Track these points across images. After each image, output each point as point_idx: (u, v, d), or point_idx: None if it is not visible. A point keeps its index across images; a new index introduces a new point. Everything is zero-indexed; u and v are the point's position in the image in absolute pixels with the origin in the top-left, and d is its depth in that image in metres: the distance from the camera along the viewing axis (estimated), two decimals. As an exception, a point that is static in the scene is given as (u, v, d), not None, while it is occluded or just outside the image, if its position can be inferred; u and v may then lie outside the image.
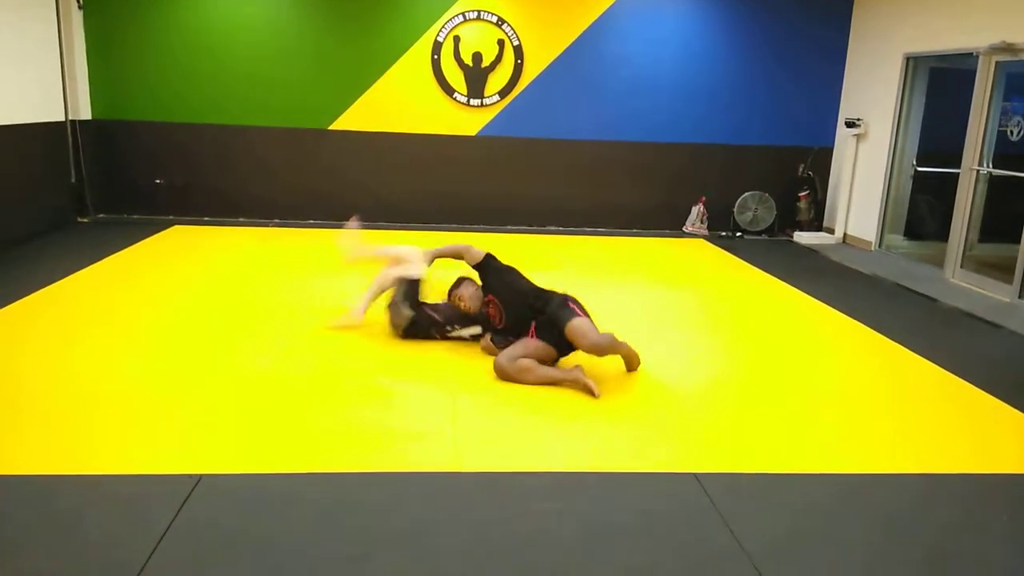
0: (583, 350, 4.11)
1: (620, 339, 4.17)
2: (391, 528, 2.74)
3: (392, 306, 4.74)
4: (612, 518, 2.87)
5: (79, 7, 7.86)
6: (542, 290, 4.43)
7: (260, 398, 3.80)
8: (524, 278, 4.55)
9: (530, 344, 4.18)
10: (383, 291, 4.80)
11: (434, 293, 4.90)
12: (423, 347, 4.64)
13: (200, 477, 2.99)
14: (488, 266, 4.58)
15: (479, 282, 4.66)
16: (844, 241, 8.75)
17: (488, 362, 4.30)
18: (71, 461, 3.11)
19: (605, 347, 4.09)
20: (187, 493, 2.87)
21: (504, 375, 4.10)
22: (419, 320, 4.69)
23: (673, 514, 2.92)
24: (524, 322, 4.30)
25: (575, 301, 4.29)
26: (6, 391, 3.75)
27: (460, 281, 4.77)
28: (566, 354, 4.26)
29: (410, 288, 4.71)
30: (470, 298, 4.63)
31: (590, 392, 3.99)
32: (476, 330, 4.74)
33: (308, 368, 4.24)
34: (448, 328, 4.74)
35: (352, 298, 5.03)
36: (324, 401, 3.81)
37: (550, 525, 2.80)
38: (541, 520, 2.83)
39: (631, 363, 4.27)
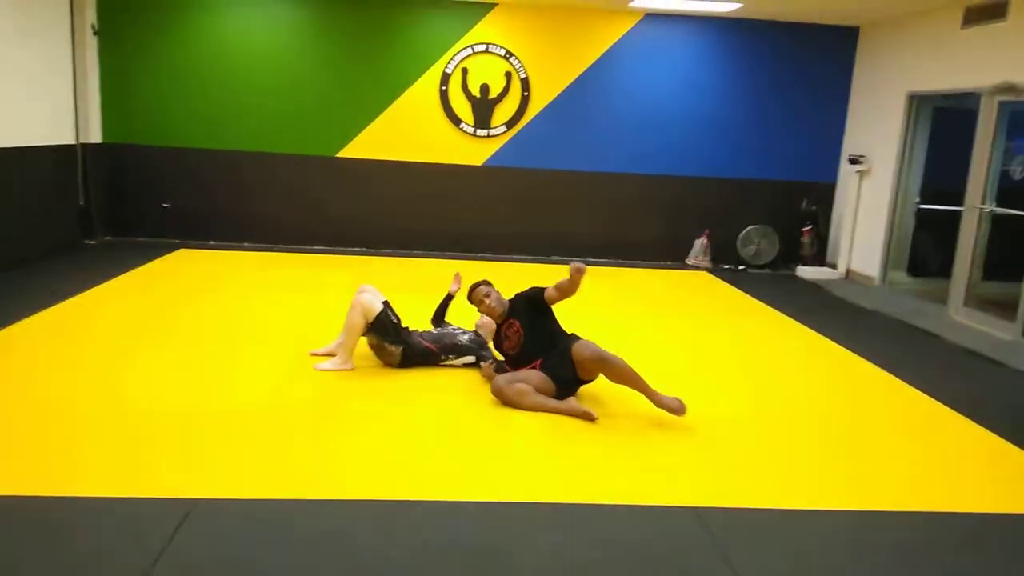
0: (587, 361, 4.06)
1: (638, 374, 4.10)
2: (388, 556, 2.72)
3: (374, 348, 4.68)
4: (610, 551, 2.84)
5: (94, 33, 8.00)
6: (563, 331, 4.42)
7: (259, 423, 3.79)
8: (555, 321, 4.47)
9: (531, 374, 4.20)
10: (358, 334, 4.56)
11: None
12: (422, 374, 4.63)
13: (196, 501, 2.98)
14: (532, 295, 4.43)
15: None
16: (847, 277, 8.75)
17: (487, 389, 4.31)
18: (67, 482, 3.10)
19: (608, 358, 4.04)
20: (182, 517, 2.86)
21: (501, 395, 4.12)
22: (411, 352, 4.66)
23: (672, 548, 2.89)
24: (536, 354, 4.30)
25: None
26: (7, 410, 3.75)
27: (486, 283, 4.64)
28: (564, 394, 4.21)
29: (384, 325, 4.55)
30: (495, 301, 4.52)
31: (588, 417, 4.00)
32: (469, 359, 4.75)
33: (308, 393, 4.23)
34: (443, 358, 4.74)
35: (319, 348, 4.87)
36: (323, 427, 3.80)
37: (548, 557, 2.77)
38: (539, 551, 2.80)
39: (671, 408, 4.01)
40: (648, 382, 4.09)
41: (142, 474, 3.19)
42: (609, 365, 4.07)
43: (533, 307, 4.42)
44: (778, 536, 3.03)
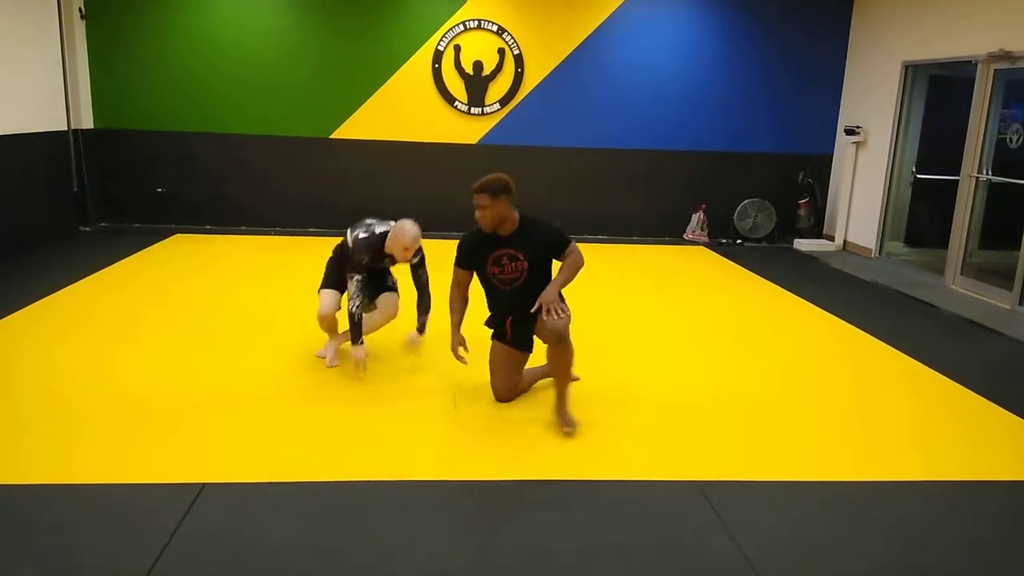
0: (548, 332, 3.61)
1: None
2: (390, 536, 2.74)
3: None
4: (614, 527, 2.87)
5: (81, 17, 7.90)
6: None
7: (261, 406, 3.80)
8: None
9: (509, 359, 3.93)
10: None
11: None
12: (424, 359, 4.63)
13: (203, 486, 3.00)
14: (559, 240, 3.81)
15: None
16: (844, 248, 8.77)
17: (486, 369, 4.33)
18: (72, 471, 3.11)
19: (565, 343, 3.63)
20: (190, 502, 2.88)
21: (503, 399, 3.98)
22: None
23: (676, 523, 2.92)
24: (520, 307, 3.76)
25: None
26: (7, 400, 3.76)
27: (490, 191, 3.68)
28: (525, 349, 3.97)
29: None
30: (489, 217, 3.72)
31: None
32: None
33: (308, 376, 4.25)
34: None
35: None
36: (324, 409, 3.81)
37: (550, 535, 2.79)
38: (541, 530, 2.82)
39: (563, 422, 3.67)
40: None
41: (148, 460, 3.21)
42: (560, 349, 3.62)
43: (549, 253, 3.79)
44: (780, 508, 3.06)
